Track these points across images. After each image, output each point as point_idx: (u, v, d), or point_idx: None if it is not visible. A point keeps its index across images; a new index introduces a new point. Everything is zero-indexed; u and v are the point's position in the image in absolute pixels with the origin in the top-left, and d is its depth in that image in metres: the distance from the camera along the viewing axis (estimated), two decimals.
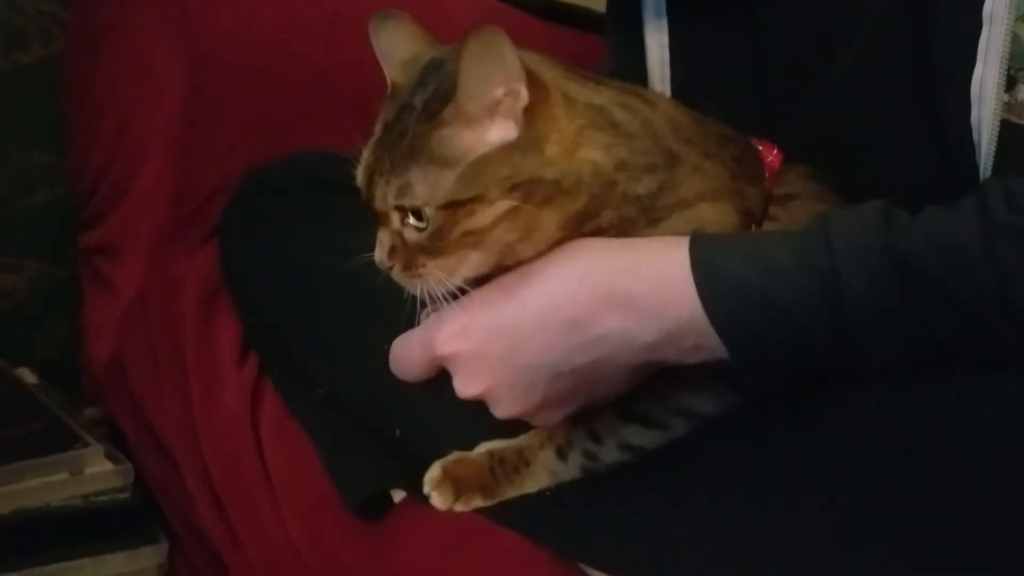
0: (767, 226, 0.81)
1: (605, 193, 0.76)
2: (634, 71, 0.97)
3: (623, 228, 0.77)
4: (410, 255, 0.75)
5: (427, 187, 0.73)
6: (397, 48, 0.80)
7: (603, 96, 0.79)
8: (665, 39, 0.96)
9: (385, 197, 0.75)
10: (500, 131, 0.74)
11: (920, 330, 0.70)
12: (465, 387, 0.78)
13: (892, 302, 0.70)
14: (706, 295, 0.73)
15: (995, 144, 0.78)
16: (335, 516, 0.94)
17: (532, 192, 0.74)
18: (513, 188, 0.73)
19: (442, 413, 0.88)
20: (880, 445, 0.73)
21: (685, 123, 0.82)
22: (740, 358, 0.73)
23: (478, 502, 0.85)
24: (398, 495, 0.91)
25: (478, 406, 0.81)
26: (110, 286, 1.31)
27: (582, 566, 0.83)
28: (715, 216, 0.79)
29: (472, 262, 0.75)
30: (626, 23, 0.99)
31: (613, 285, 0.75)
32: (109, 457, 1.18)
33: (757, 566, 0.75)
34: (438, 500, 0.85)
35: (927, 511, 0.71)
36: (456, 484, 0.85)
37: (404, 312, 0.81)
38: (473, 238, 0.74)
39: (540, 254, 0.76)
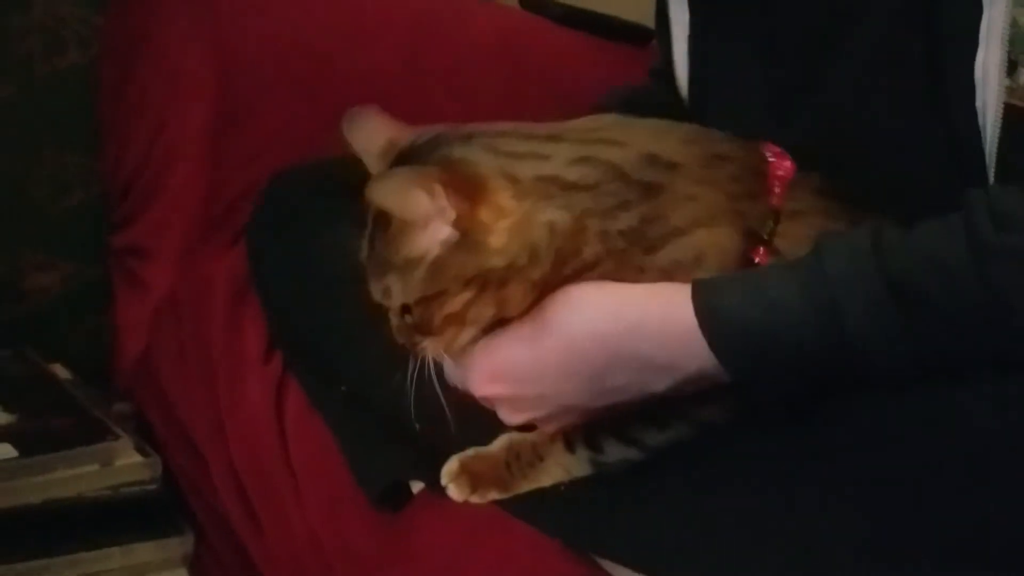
0: (776, 243, 0.82)
1: (575, 239, 0.79)
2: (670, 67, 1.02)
3: (619, 258, 0.79)
4: (410, 335, 0.81)
5: (401, 289, 0.79)
6: (371, 141, 0.84)
7: (555, 161, 0.80)
8: (686, 31, 0.99)
9: (375, 295, 0.82)
10: (442, 234, 0.77)
11: (920, 347, 0.72)
12: (511, 419, 0.84)
13: (890, 324, 0.72)
14: (716, 345, 0.75)
15: (999, 128, 0.79)
16: (355, 508, 0.96)
17: (486, 281, 0.78)
18: (468, 282, 0.78)
19: (460, 410, 0.90)
20: (883, 445, 0.74)
21: (666, 151, 0.82)
22: (753, 391, 0.77)
23: (493, 495, 0.88)
24: (416, 486, 0.93)
25: None
26: (141, 285, 1.34)
27: (593, 557, 0.85)
28: (713, 240, 0.80)
29: (463, 336, 0.80)
30: (661, 17, 1.03)
31: (622, 347, 0.78)
32: (138, 450, 1.21)
33: (763, 561, 0.76)
34: (455, 492, 0.88)
35: (931, 512, 0.72)
36: (473, 477, 0.88)
37: None
38: (454, 320, 0.79)
39: (530, 307, 0.80)
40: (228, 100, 1.33)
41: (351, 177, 1.11)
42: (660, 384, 0.78)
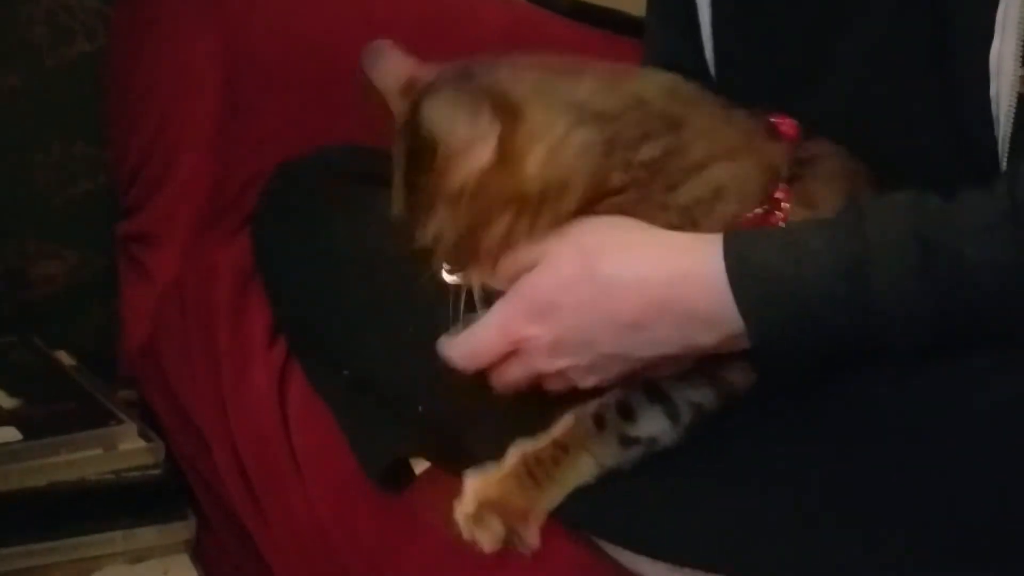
0: (796, 186, 0.82)
1: (605, 163, 0.79)
2: (687, 56, 1.02)
3: (641, 190, 0.79)
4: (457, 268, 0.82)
5: (449, 228, 0.80)
6: (392, 77, 0.85)
7: (583, 88, 0.81)
8: (708, 16, 1.00)
9: (426, 238, 0.81)
10: (483, 159, 0.78)
11: (944, 311, 0.72)
12: (548, 364, 0.80)
13: (919, 284, 0.71)
14: (739, 292, 0.74)
15: (1013, 117, 0.79)
16: (359, 491, 0.96)
17: (523, 206, 0.78)
18: (504, 205, 0.78)
19: (464, 390, 0.90)
20: (883, 431, 0.75)
21: (685, 89, 0.84)
22: (769, 349, 0.75)
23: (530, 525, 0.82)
24: (418, 467, 0.93)
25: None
26: (147, 273, 1.34)
27: (597, 540, 0.85)
28: (733, 173, 0.81)
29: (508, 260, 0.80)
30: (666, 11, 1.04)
31: (668, 296, 0.76)
32: (141, 435, 1.21)
33: (763, 553, 0.77)
34: (486, 541, 0.82)
35: (933, 498, 0.72)
36: (494, 509, 0.82)
37: (425, 299, 0.85)
38: (494, 248, 0.80)
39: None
40: (235, 90, 1.34)
41: (354, 166, 1.12)
42: (706, 338, 0.76)
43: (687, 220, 0.79)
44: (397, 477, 0.94)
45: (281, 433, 1.06)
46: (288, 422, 1.07)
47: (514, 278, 0.81)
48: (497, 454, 0.88)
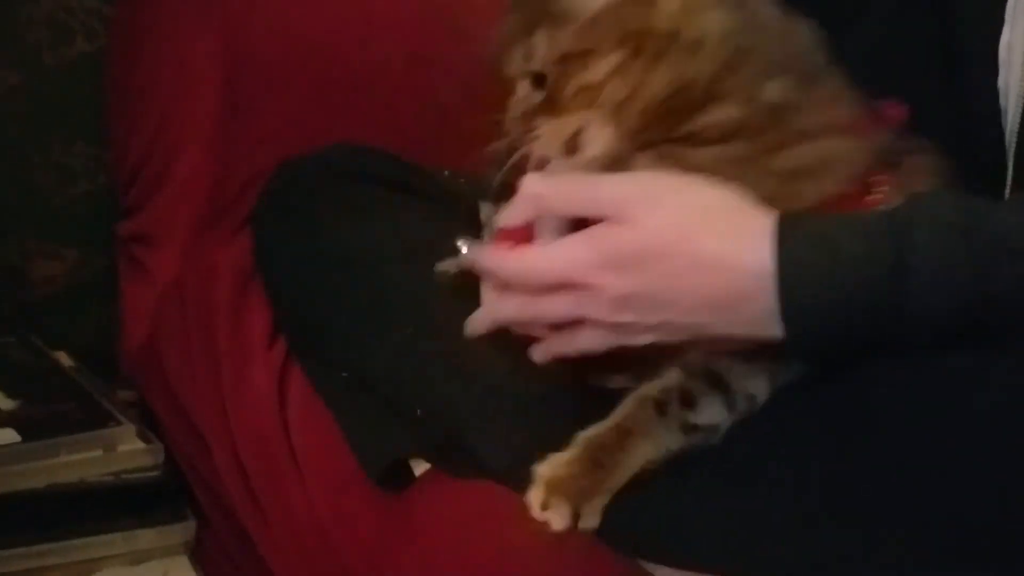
0: (894, 173, 0.80)
1: (729, 70, 0.75)
2: None
3: (750, 142, 0.76)
4: (529, 119, 0.78)
5: (547, 46, 0.76)
6: None
7: None
8: None
9: (514, 63, 0.78)
10: None
11: (979, 290, 0.70)
12: (601, 313, 0.77)
13: (957, 263, 0.70)
14: (781, 259, 0.72)
15: (1021, 108, 0.79)
16: (360, 491, 0.96)
17: (643, 44, 0.74)
18: (624, 39, 0.74)
19: (464, 392, 0.90)
20: (883, 430, 0.74)
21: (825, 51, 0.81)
22: (812, 338, 0.74)
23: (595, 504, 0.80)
24: (418, 468, 0.93)
25: (500, 383, 0.83)
26: (147, 273, 1.34)
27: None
28: (844, 150, 0.79)
29: (587, 128, 0.76)
30: None
31: (756, 288, 0.74)
32: (141, 436, 1.20)
33: (768, 548, 0.76)
34: (556, 519, 0.79)
35: (931, 511, 0.72)
36: (563, 490, 0.80)
37: (425, 299, 0.84)
38: (587, 95, 0.75)
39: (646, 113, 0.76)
40: (235, 89, 1.33)
41: (355, 166, 1.12)
42: (777, 331, 0.74)
43: (789, 189, 0.76)
44: (397, 477, 0.94)
45: (281, 433, 1.06)
46: (288, 422, 1.07)
47: (567, 151, 0.76)
48: (497, 455, 0.88)
